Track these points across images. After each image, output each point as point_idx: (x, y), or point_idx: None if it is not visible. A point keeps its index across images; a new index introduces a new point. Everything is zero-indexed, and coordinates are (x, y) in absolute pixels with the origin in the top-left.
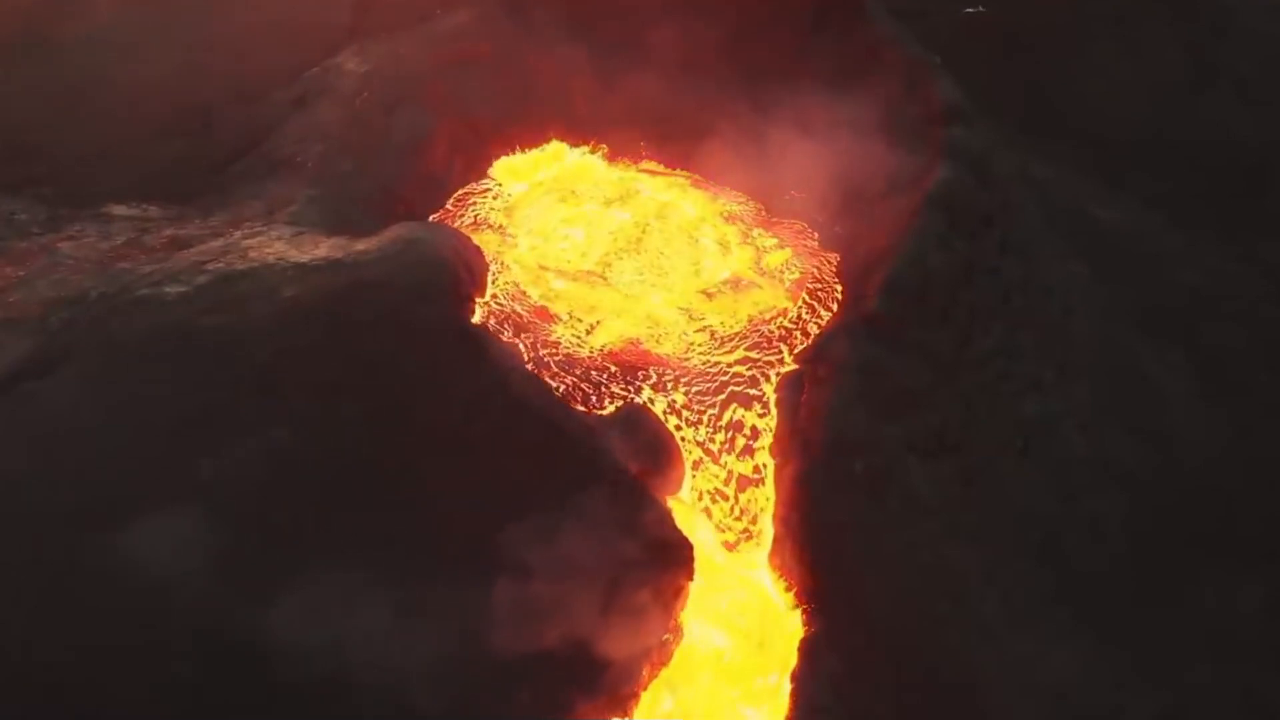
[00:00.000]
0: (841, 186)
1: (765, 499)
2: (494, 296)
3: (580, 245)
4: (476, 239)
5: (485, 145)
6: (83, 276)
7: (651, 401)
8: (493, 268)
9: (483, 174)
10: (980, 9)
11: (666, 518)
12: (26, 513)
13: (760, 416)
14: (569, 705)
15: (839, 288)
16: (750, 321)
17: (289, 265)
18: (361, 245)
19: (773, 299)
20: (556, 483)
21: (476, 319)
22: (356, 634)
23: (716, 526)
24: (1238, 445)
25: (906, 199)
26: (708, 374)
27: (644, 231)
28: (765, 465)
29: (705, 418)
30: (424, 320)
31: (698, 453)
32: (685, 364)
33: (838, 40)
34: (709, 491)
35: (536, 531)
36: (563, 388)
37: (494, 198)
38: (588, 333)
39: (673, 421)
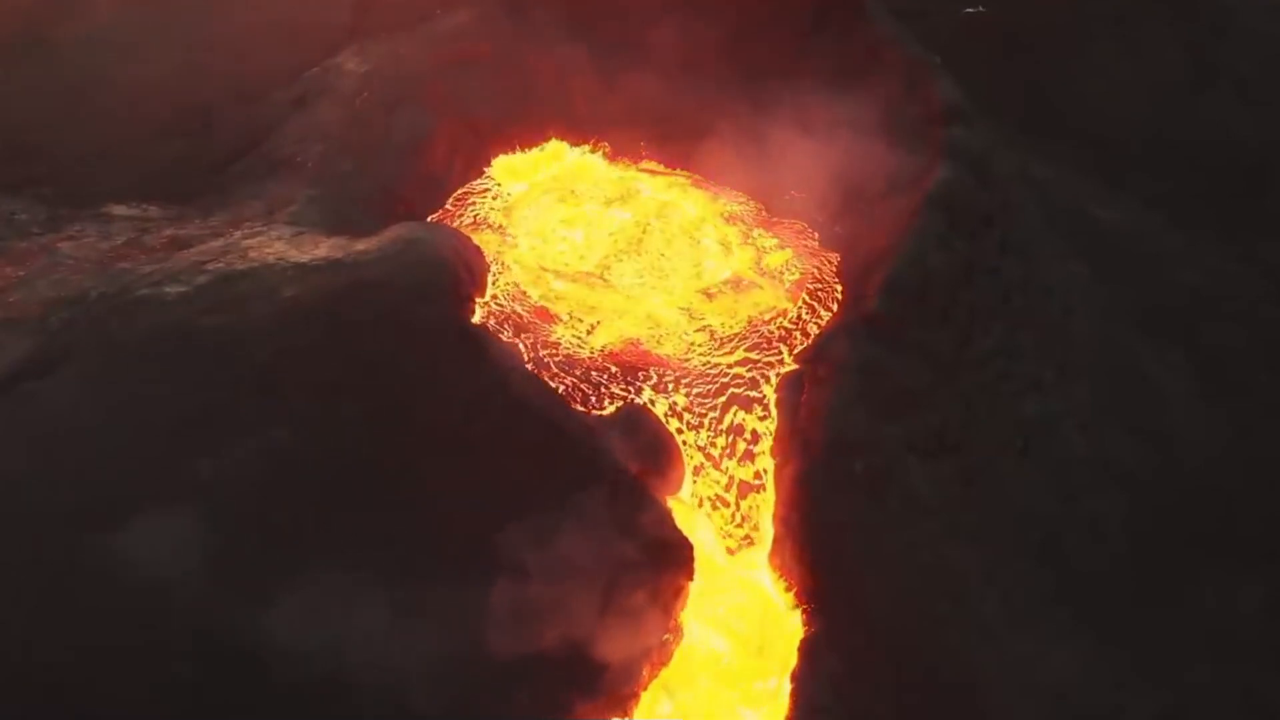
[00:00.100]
0: (841, 186)
1: (766, 505)
2: (494, 297)
3: (580, 246)
4: (476, 239)
5: (485, 145)
6: (83, 276)
7: (652, 403)
8: (493, 268)
9: (482, 174)
10: (980, 9)
11: (666, 518)
12: (26, 513)
13: (761, 419)
14: (568, 706)
15: (839, 288)
16: (750, 322)
17: (289, 265)
18: (361, 245)
19: (773, 299)
20: (556, 483)
21: (476, 319)
22: (356, 634)
23: (718, 533)
24: (1238, 445)
25: (906, 199)
26: (708, 375)
27: (644, 232)
28: (766, 471)
29: (706, 421)
30: (424, 320)
31: (699, 458)
32: (685, 365)
33: (838, 40)
34: (710, 498)
35: (536, 532)
36: (563, 388)
37: (493, 198)
38: (588, 333)
39: (674, 424)
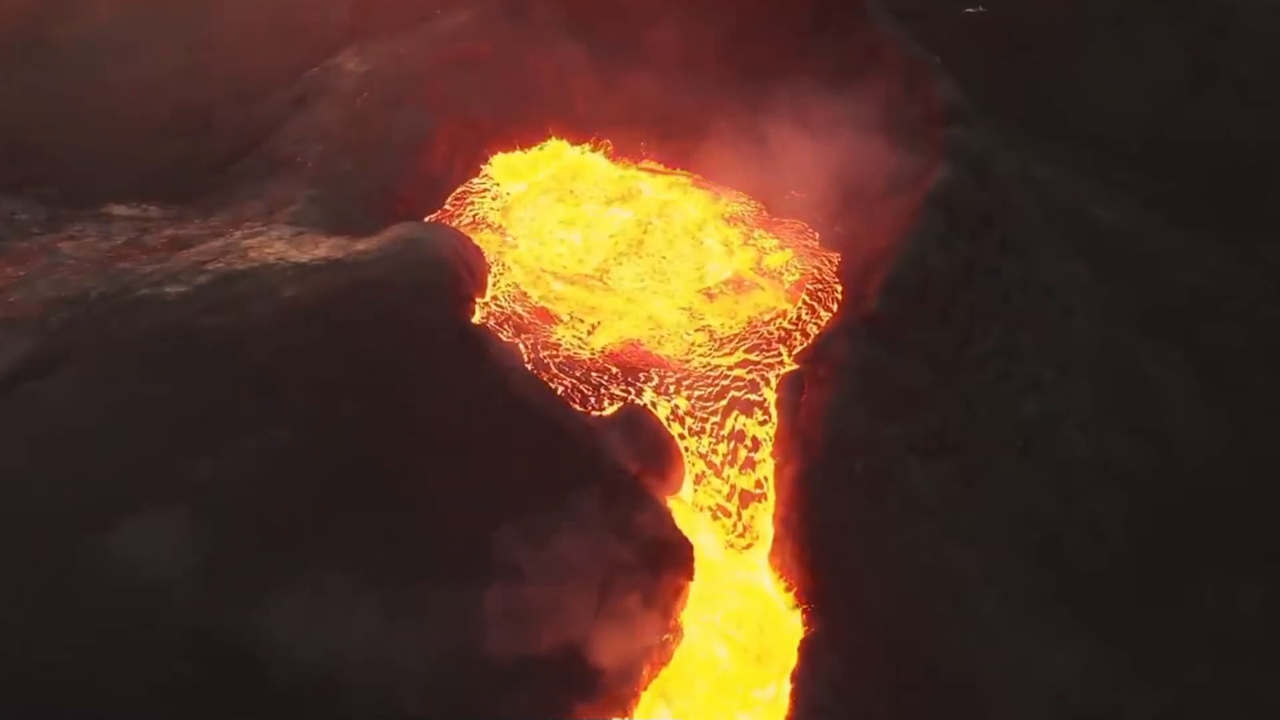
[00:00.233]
0: (842, 186)
1: (767, 507)
2: (494, 298)
3: (581, 247)
4: (476, 239)
5: (485, 145)
6: (83, 276)
7: (654, 405)
8: (494, 269)
9: (482, 173)
10: (980, 9)
11: (666, 518)
12: (26, 513)
13: (761, 424)
14: (566, 707)
15: (839, 288)
16: (749, 323)
17: (289, 265)
18: (361, 245)
19: (773, 300)
20: (556, 483)
21: (476, 319)
22: (355, 634)
23: (719, 537)
24: (1238, 445)
25: (906, 199)
26: (708, 377)
27: (645, 232)
28: (767, 479)
29: (708, 426)
30: (424, 320)
31: (700, 465)
32: (686, 366)
33: (838, 40)
34: (711, 507)
35: (535, 532)
36: (563, 389)
37: (493, 198)
38: (589, 333)
39: (676, 429)
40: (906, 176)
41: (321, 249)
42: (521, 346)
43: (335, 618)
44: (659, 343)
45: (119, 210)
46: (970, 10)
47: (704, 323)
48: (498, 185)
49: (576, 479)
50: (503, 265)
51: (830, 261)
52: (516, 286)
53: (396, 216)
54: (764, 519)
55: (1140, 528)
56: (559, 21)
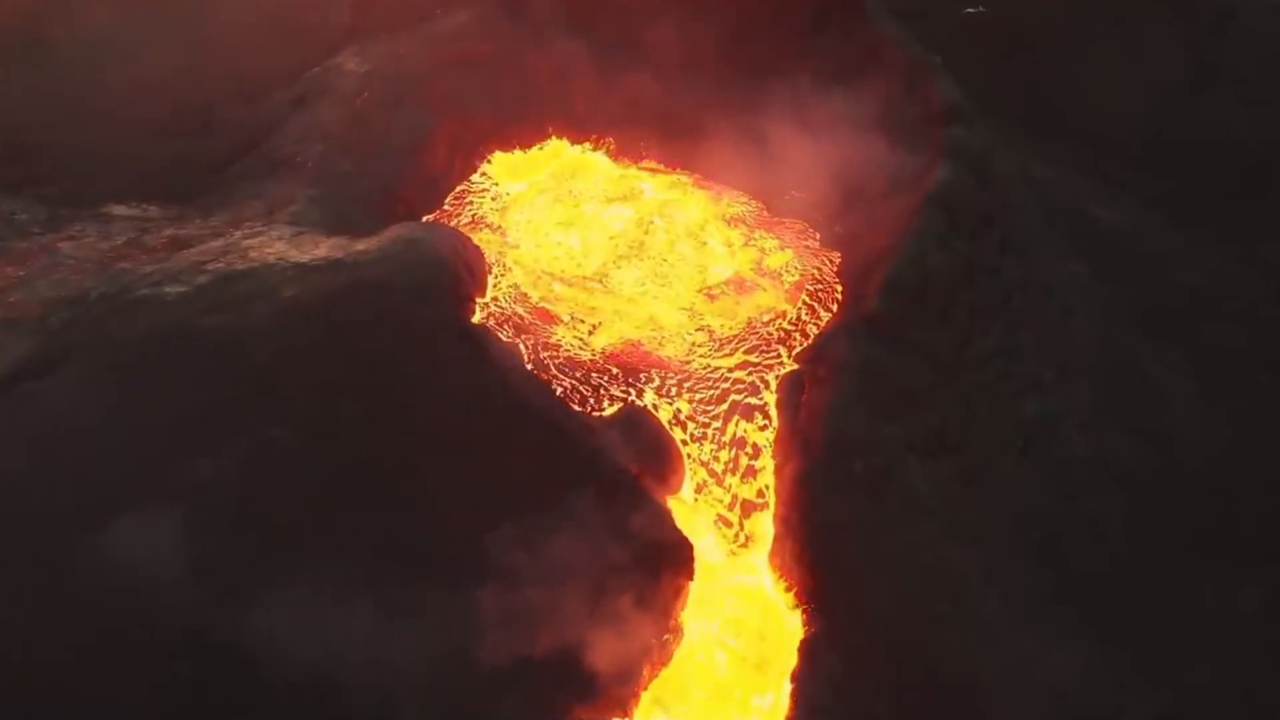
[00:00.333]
0: (842, 186)
1: (767, 514)
2: (494, 299)
3: (581, 248)
4: (476, 239)
5: (485, 145)
6: (83, 276)
7: (655, 407)
8: (495, 270)
9: (482, 173)
10: (980, 9)
11: (666, 518)
12: (26, 513)
13: (761, 429)
14: (565, 708)
15: (839, 287)
16: (749, 323)
17: (289, 265)
18: (361, 245)
19: (773, 300)
20: (556, 483)
21: (477, 319)
22: (355, 635)
23: (720, 540)
24: (1238, 445)
25: (907, 199)
26: (709, 379)
27: (646, 233)
28: (768, 487)
29: (709, 432)
30: (424, 320)
31: (702, 473)
32: (687, 367)
33: (838, 40)
34: (712, 518)
35: (535, 533)
36: (563, 389)
37: (492, 198)
38: (589, 334)
39: (678, 435)
40: (907, 176)
41: (321, 249)
42: (522, 347)
43: (334, 618)
44: (660, 343)
45: (119, 210)
46: (970, 10)
47: (704, 322)
48: (496, 185)
49: (576, 479)
50: (503, 266)
51: (831, 261)
52: (517, 287)
53: (396, 216)
54: (764, 520)
55: (1140, 528)
56: (559, 21)
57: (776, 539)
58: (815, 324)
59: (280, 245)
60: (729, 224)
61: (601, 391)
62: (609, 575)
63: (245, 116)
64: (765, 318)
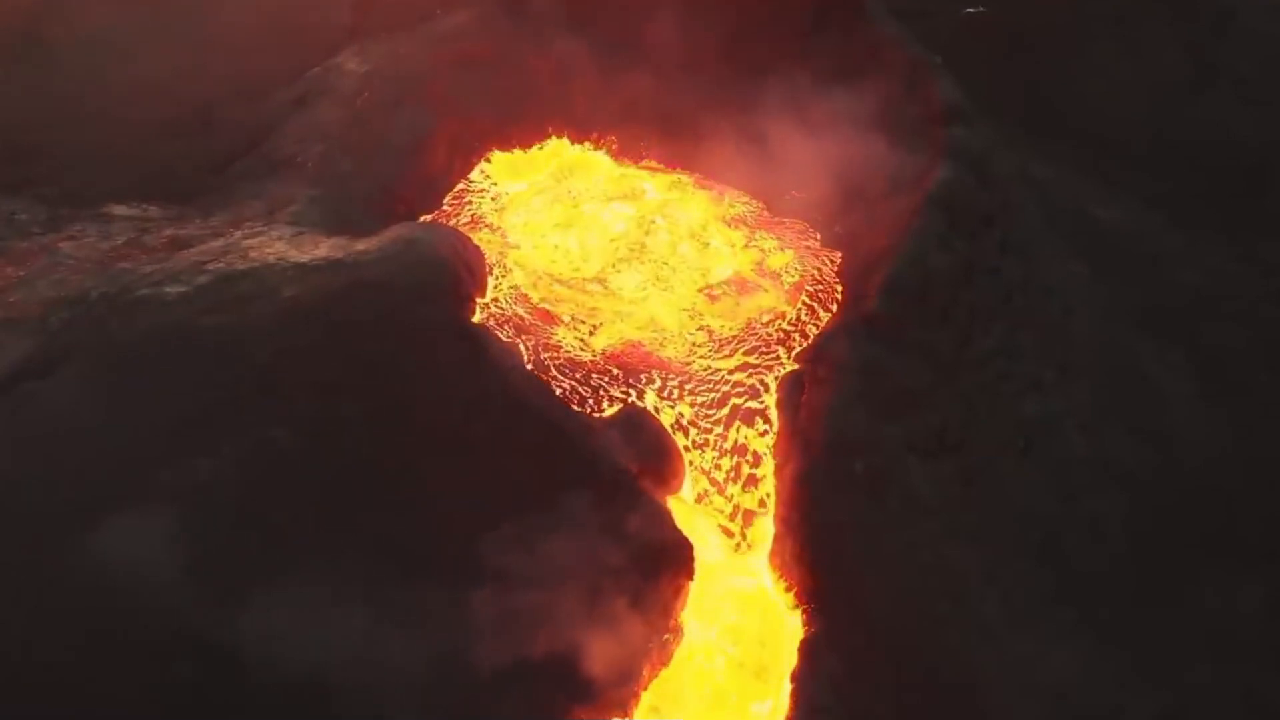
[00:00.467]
0: (842, 186)
1: (768, 516)
2: (495, 299)
3: (582, 249)
4: (475, 239)
5: (485, 145)
6: (83, 276)
7: (657, 410)
8: (495, 270)
9: (482, 173)
10: (980, 9)
11: (666, 518)
12: (26, 513)
13: (761, 435)
14: (566, 708)
15: (839, 287)
16: (749, 324)
17: (289, 265)
18: (361, 245)
19: (773, 301)
20: (556, 484)
21: (477, 319)
22: (355, 635)
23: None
24: (1238, 445)
25: (907, 199)
26: (710, 381)
27: (647, 234)
28: (769, 495)
29: (711, 439)
30: (424, 320)
31: (704, 482)
32: (688, 369)
33: (838, 40)
34: (714, 527)
35: (534, 534)
36: (563, 390)
37: (492, 198)
38: (590, 334)
39: (680, 440)
40: (907, 176)
41: (321, 249)
42: (522, 347)
43: (334, 618)
44: (660, 344)
45: (119, 210)
46: (970, 10)
47: (704, 322)
48: (496, 185)
49: (576, 480)
50: (504, 267)
51: (831, 261)
52: (517, 288)
53: (396, 216)
54: (765, 523)
55: (1140, 528)
56: (559, 21)
57: (776, 539)
58: (815, 324)
59: (280, 245)
60: (730, 225)
61: (601, 393)
62: (620, 570)
63: (245, 116)
64: (765, 318)
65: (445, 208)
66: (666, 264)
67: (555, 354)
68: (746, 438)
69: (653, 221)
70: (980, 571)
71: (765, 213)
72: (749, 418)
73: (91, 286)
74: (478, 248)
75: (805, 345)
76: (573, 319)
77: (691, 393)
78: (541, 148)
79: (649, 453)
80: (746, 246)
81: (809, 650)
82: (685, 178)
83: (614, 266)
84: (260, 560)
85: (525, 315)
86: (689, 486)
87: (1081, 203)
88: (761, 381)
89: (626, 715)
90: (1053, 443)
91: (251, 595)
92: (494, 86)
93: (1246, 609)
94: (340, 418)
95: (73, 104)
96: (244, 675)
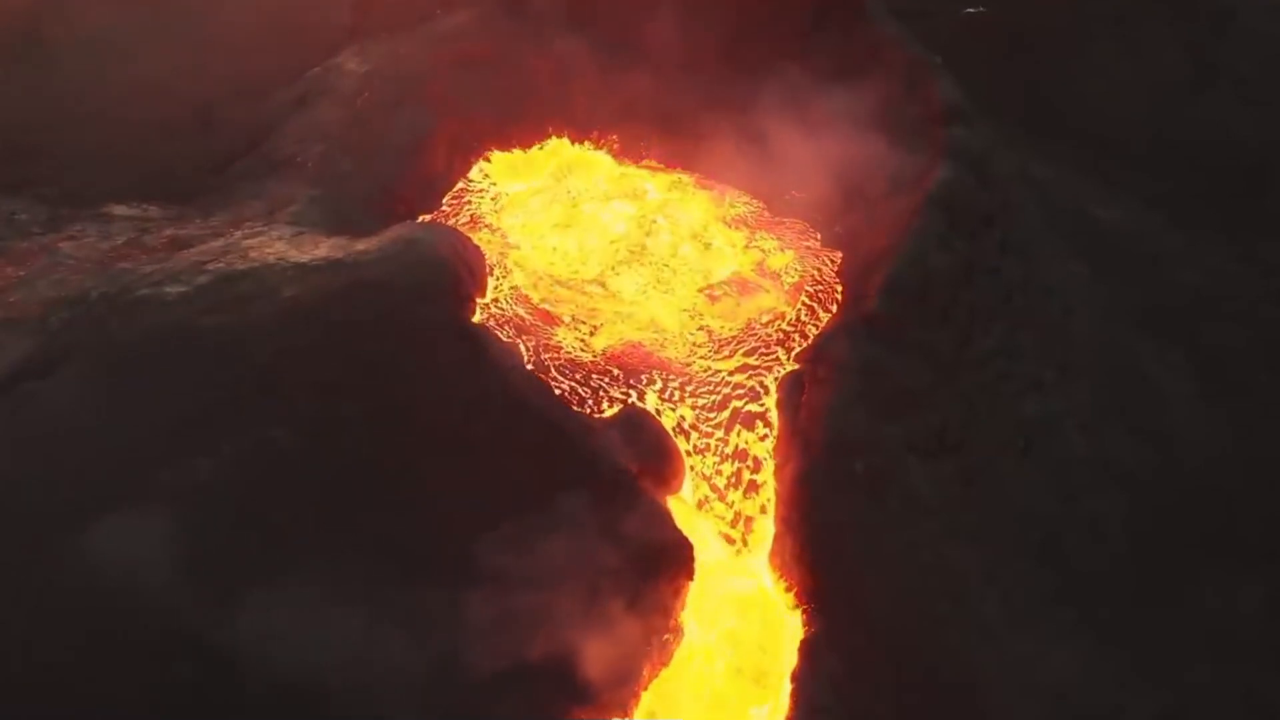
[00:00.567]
0: (842, 186)
1: (767, 517)
2: (495, 300)
3: (582, 250)
4: (476, 239)
5: (485, 145)
6: (83, 276)
7: (659, 413)
8: (496, 271)
9: (482, 173)
10: (980, 9)
11: (666, 518)
12: (26, 513)
13: (761, 440)
14: (566, 709)
15: (839, 287)
16: (748, 325)
17: (289, 265)
18: (362, 245)
19: (774, 302)
20: (556, 484)
21: (477, 320)
22: (355, 636)
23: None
24: (1238, 445)
25: (907, 199)
26: (710, 383)
27: (648, 235)
28: (769, 503)
29: (713, 443)
30: (424, 320)
31: (705, 488)
32: (688, 370)
33: (838, 40)
34: (715, 534)
35: (534, 533)
36: (563, 390)
37: (491, 199)
38: (590, 334)
39: (682, 445)
40: (907, 176)
41: (321, 249)
42: (522, 348)
43: (334, 619)
44: (661, 345)
45: (119, 210)
46: (970, 10)
47: (704, 322)
48: (495, 185)
49: (576, 480)
50: (504, 268)
51: (831, 261)
52: (518, 289)
53: (396, 216)
54: (765, 524)
55: (1140, 528)
56: (559, 21)
57: (776, 538)
58: (814, 325)
59: (280, 245)
60: (731, 225)
61: (601, 393)
62: (620, 571)
63: (245, 116)
64: (764, 319)
65: (444, 208)
66: (667, 266)
67: (555, 354)
68: (747, 442)
69: (654, 221)
70: (980, 571)
71: (765, 213)
72: (750, 421)
73: (91, 286)
74: (478, 248)
75: (805, 345)
76: (573, 319)
77: (693, 395)
78: (541, 147)
79: (649, 453)
80: (747, 247)
81: (809, 650)
82: (686, 177)
83: (614, 269)
84: (260, 560)
85: (526, 316)
86: (690, 491)
87: (1081, 203)
88: (761, 384)
89: (626, 716)
90: (1053, 443)
91: (251, 595)
92: (494, 86)
93: (1246, 609)
94: (340, 418)
95: (73, 104)
96: (243, 676)
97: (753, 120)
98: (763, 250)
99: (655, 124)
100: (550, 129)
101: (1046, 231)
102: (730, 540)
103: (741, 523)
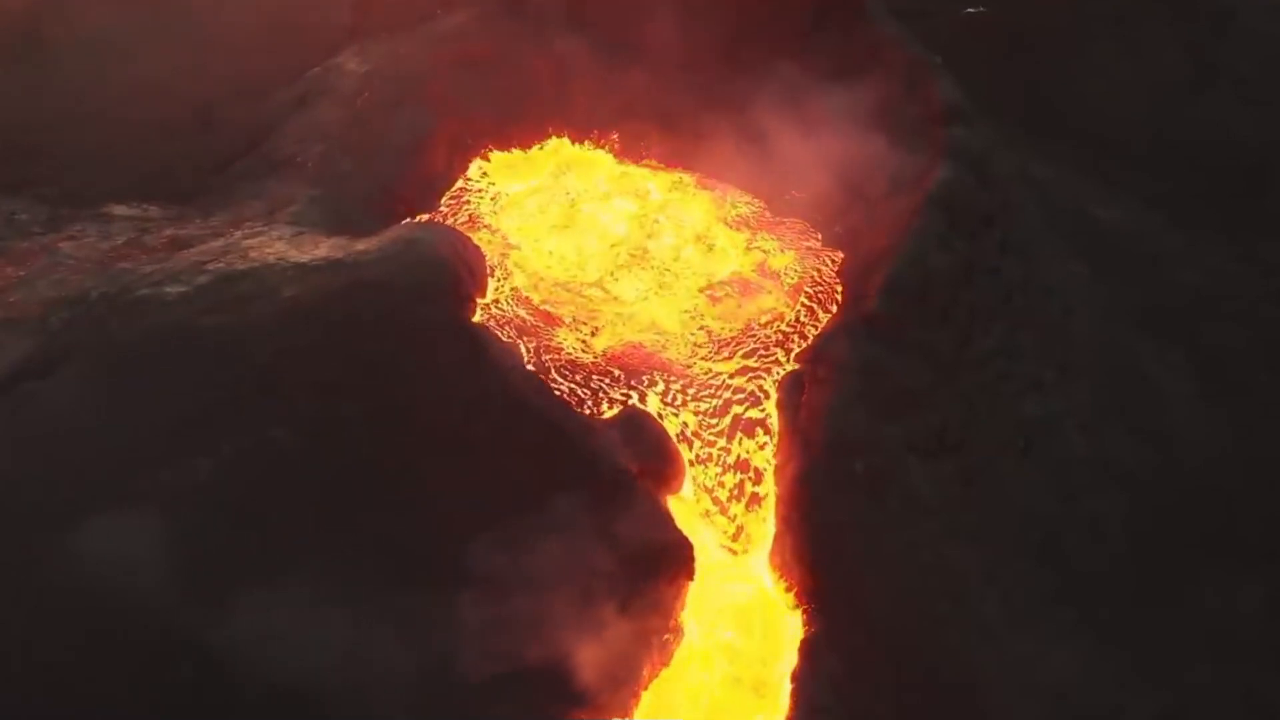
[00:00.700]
0: (842, 186)
1: (767, 518)
2: (495, 301)
3: (583, 251)
4: (476, 239)
5: (485, 145)
6: (83, 276)
7: (660, 416)
8: (497, 272)
9: (482, 173)
10: (980, 9)
11: (666, 519)
12: (27, 512)
13: (761, 449)
14: (564, 710)
15: (839, 287)
16: (747, 326)
17: (289, 265)
18: (362, 245)
19: (775, 302)
20: (556, 484)
21: (477, 320)
22: (353, 637)
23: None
24: (1238, 445)
25: (907, 199)
26: (711, 385)
27: (649, 235)
28: (769, 510)
29: (714, 453)
30: (424, 320)
31: (706, 501)
32: (689, 371)
33: (838, 39)
34: (715, 544)
35: (534, 533)
36: (564, 391)
37: (491, 198)
38: (591, 335)
39: (685, 454)
40: (907, 176)
41: (321, 249)
42: (523, 348)
43: (332, 620)
44: (662, 346)
45: (119, 210)
46: (970, 10)
47: (704, 323)
48: (494, 185)
49: (575, 480)
50: (505, 269)
51: (831, 261)
52: (519, 290)
53: (396, 216)
54: (765, 526)
55: (1140, 528)
56: (559, 21)
57: (776, 538)
58: (814, 325)
59: (280, 245)
60: (732, 226)
61: (602, 394)
62: (620, 571)
63: (246, 116)
64: (764, 319)
65: (443, 208)
66: (669, 269)
67: (556, 355)
68: (749, 451)
69: (655, 221)
70: (980, 571)
71: (766, 213)
72: (750, 429)
73: (91, 286)
74: (478, 248)
75: (805, 346)
76: (574, 320)
77: (694, 398)
78: (541, 147)
79: (649, 453)
80: (748, 248)
81: (809, 650)
82: (687, 177)
83: (613, 272)
84: (259, 561)
85: (527, 317)
86: (690, 493)
87: (1081, 203)
88: (760, 388)
89: (627, 715)
90: (1053, 443)
91: (249, 596)
92: (494, 86)
93: (1246, 609)
94: (340, 418)
95: (73, 104)
96: (240, 676)
97: (753, 120)
98: (764, 251)
99: (655, 123)
100: (550, 129)
101: (1046, 231)
102: (732, 552)
103: (744, 537)
